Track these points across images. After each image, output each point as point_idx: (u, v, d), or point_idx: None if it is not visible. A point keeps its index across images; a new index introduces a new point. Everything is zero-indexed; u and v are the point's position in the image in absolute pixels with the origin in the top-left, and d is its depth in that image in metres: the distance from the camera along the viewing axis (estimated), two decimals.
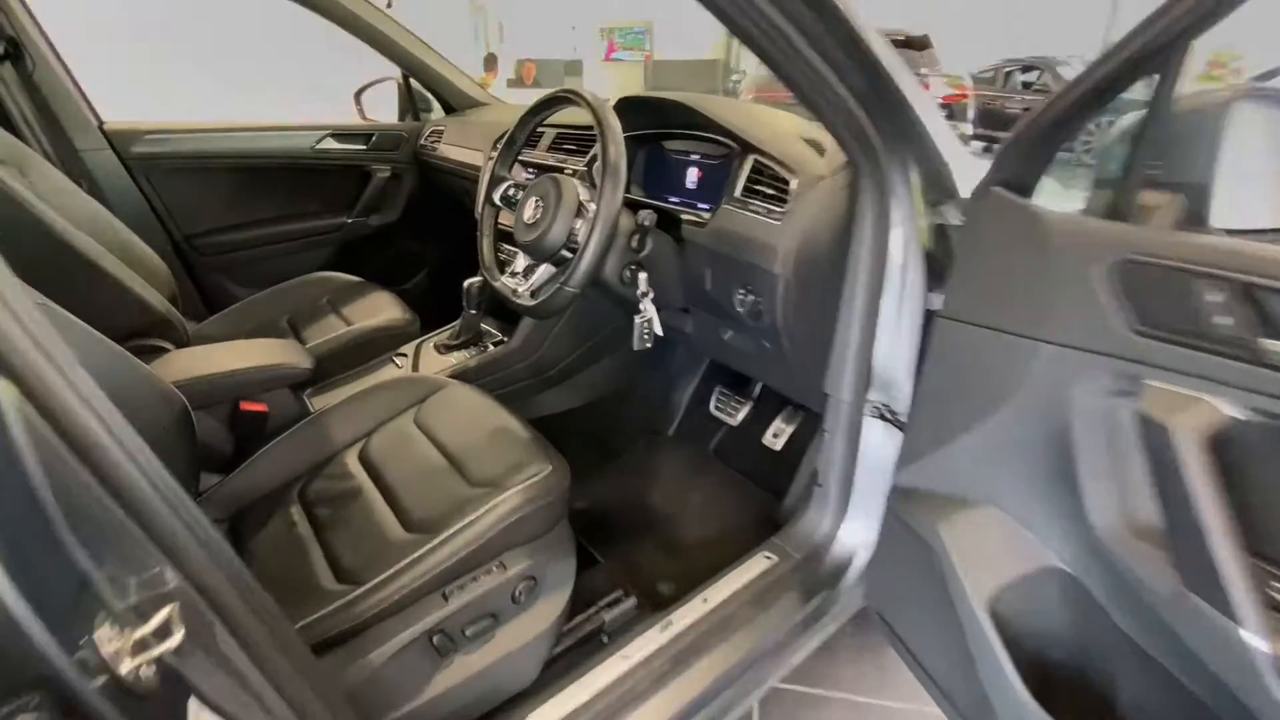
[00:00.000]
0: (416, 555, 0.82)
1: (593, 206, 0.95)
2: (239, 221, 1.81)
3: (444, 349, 1.48)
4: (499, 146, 1.18)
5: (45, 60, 1.41)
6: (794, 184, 0.97)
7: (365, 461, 1.05)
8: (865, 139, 0.83)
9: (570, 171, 1.14)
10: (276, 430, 1.13)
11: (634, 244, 1.05)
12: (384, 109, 2.12)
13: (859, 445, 1.02)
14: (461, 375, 1.40)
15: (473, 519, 0.86)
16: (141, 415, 0.85)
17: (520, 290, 1.07)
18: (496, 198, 1.17)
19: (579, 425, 1.61)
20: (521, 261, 1.11)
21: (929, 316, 0.88)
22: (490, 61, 7.25)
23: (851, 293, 0.94)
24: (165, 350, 1.23)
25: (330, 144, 1.89)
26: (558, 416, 1.58)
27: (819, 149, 1.02)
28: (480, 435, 1.05)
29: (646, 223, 1.04)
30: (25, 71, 1.38)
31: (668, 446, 1.64)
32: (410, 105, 2.04)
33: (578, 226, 0.99)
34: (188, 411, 0.96)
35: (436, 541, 0.83)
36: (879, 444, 1.00)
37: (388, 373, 1.43)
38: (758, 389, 1.53)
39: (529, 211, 1.04)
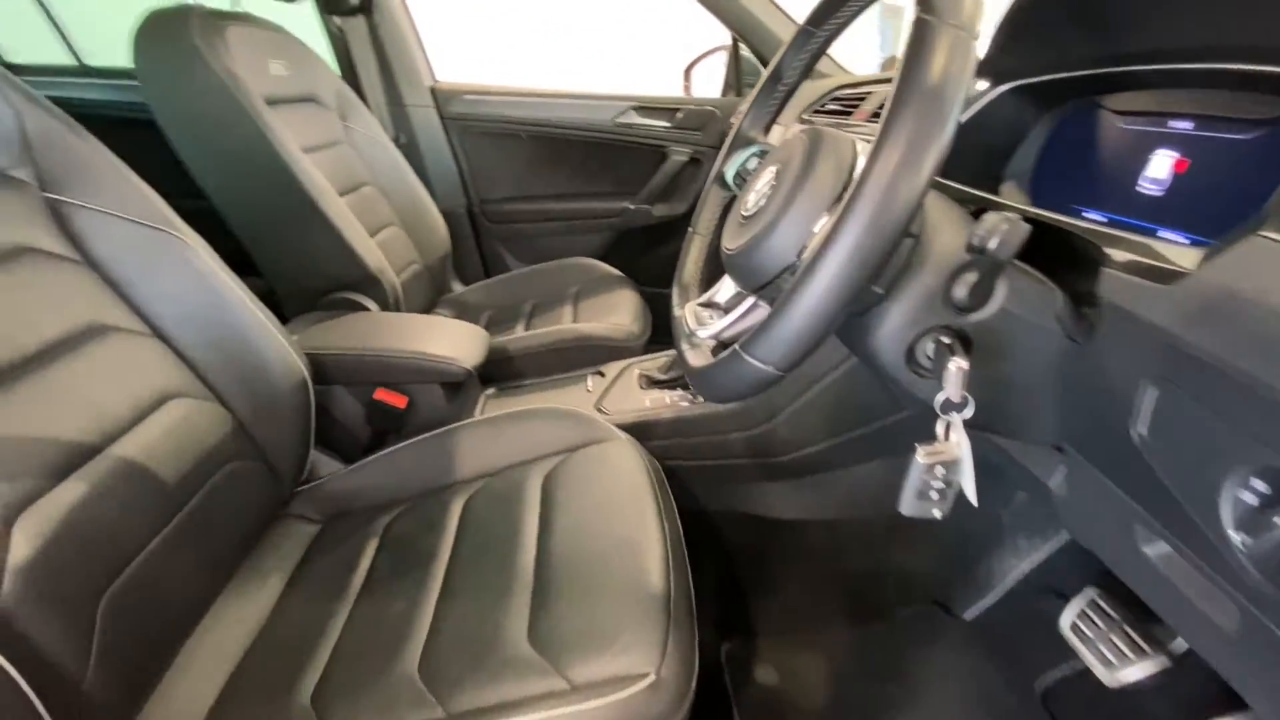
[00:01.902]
0: None
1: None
2: (528, 193, 1.74)
3: (646, 382, 1.08)
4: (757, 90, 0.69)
5: (393, 15, 1.48)
6: None
7: (466, 514, 0.78)
8: None
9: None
10: (416, 430, 0.90)
11: (955, 291, 0.46)
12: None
13: None
14: (647, 428, 0.98)
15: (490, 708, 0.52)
16: (252, 374, 0.75)
17: (699, 336, 0.58)
18: (730, 173, 0.69)
19: (810, 551, 1.03)
20: (728, 287, 0.62)
21: None
22: (890, 65, 6.54)
23: None
24: (364, 308, 1.13)
25: (632, 118, 1.66)
26: (779, 525, 1.03)
27: None
28: (600, 549, 0.67)
29: (993, 244, 0.41)
30: (373, 23, 1.46)
31: (957, 641, 0.94)
32: (735, 77, 1.68)
33: (818, 227, 0.46)
34: (306, 384, 0.80)
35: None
36: None
37: (574, 392, 1.11)
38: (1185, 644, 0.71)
39: (754, 195, 0.55)
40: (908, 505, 0.49)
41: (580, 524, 0.72)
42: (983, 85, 0.65)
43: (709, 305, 0.63)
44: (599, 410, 1.03)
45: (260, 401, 0.78)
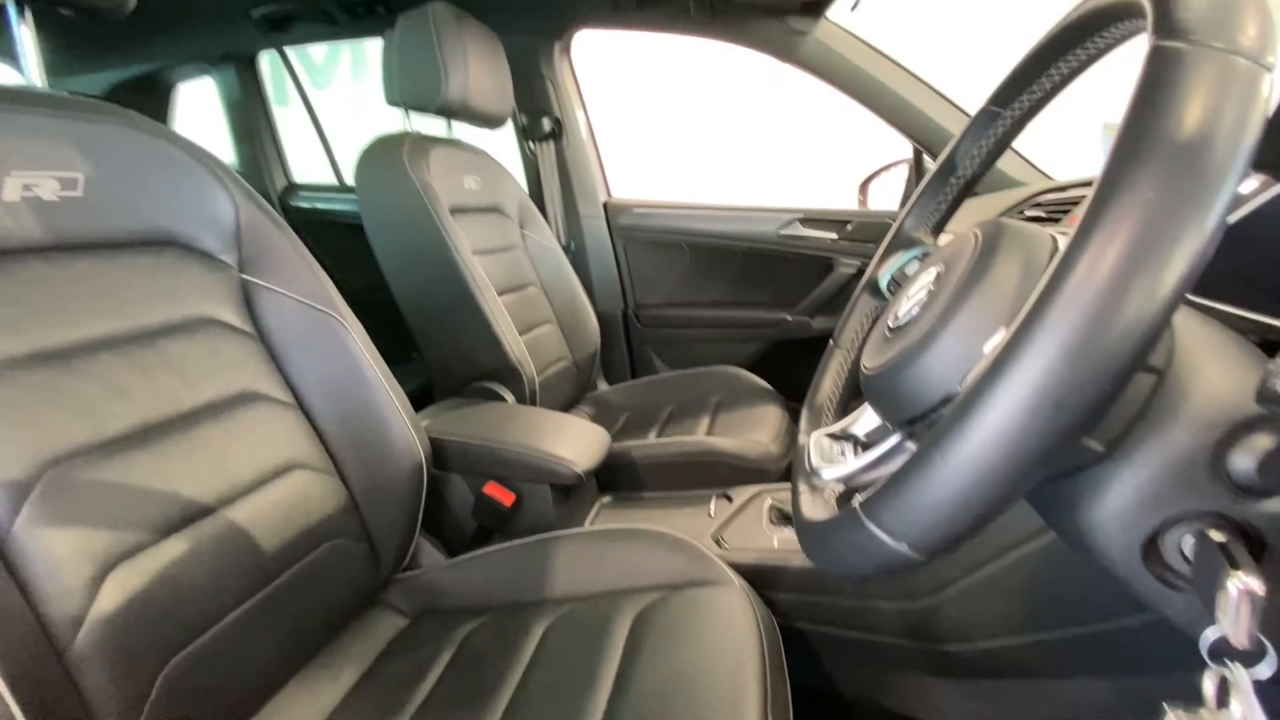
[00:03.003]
0: None
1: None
2: (684, 299, 1.74)
3: (778, 516, 0.92)
4: (927, 177, 0.58)
5: (578, 141, 1.64)
6: None
7: (545, 642, 0.70)
8: None
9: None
10: (521, 530, 0.86)
11: (1234, 461, 0.29)
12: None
13: None
14: (771, 575, 0.81)
15: None
16: (374, 453, 0.77)
17: (823, 477, 0.45)
18: (884, 279, 0.58)
19: None
20: (868, 418, 0.49)
21: None
22: None
23: None
24: (502, 399, 1.15)
25: (797, 229, 1.61)
26: None
27: None
28: (680, 716, 0.52)
29: None
30: (560, 147, 1.62)
31: None
32: (914, 187, 1.56)
33: (989, 348, 0.32)
34: (422, 468, 0.81)
35: None
36: None
37: (693, 515, 0.98)
38: None
39: (906, 301, 0.43)
40: None
41: (664, 681, 0.58)
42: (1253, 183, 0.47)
43: (842, 437, 0.50)
44: (716, 541, 0.89)
45: (376, 480, 0.79)
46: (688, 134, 2.90)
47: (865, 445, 0.47)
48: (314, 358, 0.77)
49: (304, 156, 1.99)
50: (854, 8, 1.16)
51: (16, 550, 0.49)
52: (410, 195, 1.10)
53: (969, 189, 0.55)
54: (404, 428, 0.81)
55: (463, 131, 1.38)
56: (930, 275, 0.42)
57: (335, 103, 2.36)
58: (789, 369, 1.59)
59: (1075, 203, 0.87)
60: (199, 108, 1.89)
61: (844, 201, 1.64)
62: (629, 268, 1.72)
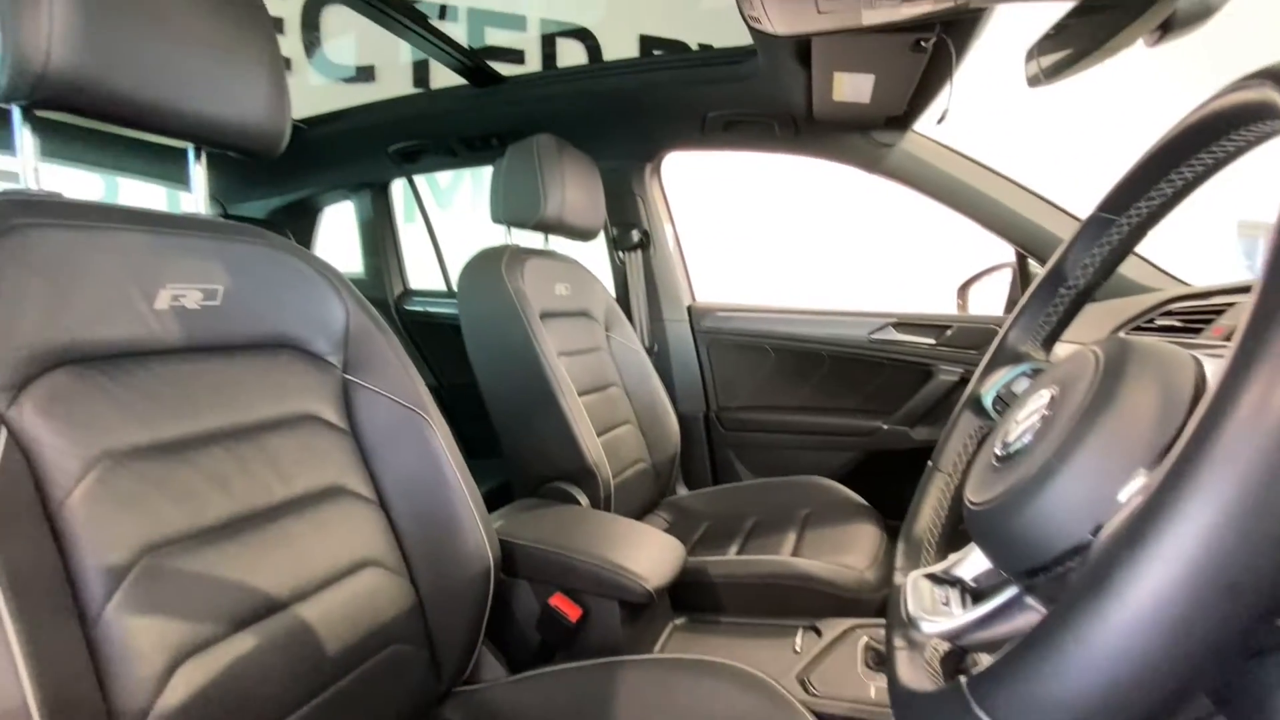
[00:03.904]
0: None
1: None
2: (769, 403, 1.68)
3: (876, 660, 0.80)
4: (1034, 285, 0.53)
5: (665, 250, 1.70)
6: None
7: None
8: None
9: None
10: (586, 649, 0.81)
11: None
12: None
13: None
14: None
15: None
16: (445, 554, 0.76)
17: (923, 630, 0.38)
18: (988, 397, 0.52)
19: None
20: (976, 560, 0.42)
21: None
22: None
23: None
24: (576, 501, 1.13)
25: (890, 334, 1.54)
26: None
27: None
28: None
29: None
30: (647, 256, 1.69)
31: None
32: (1020, 292, 1.47)
33: (1127, 494, 0.26)
34: (489, 572, 0.80)
35: None
36: None
37: (777, 649, 0.88)
38: None
39: (1016, 426, 0.38)
40: None
41: None
42: None
43: (946, 580, 0.43)
44: (802, 684, 0.78)
45: (444, 581, 0.78)
46: (777, 238, 2.96)
47: (974, 593, 0.40)
48: (399, 454, 0.80)
49: (421, 266, 2.20)
50: (940, 121, 1.16)
51: (102, 636, 0.50)
52: (503, 301, 1.17)
53: (1083, 299, 0.49)
54: (476, 529, 0.80)
55: (558, 242, 1.48)
56: (1043, 397, 0.37)
57: (456, 218, 2.64)
58: (886, 482, 1.47)
59: (1218, 311, 0.77)
60: (339, 225, 2.18)
61: (940, 307, 1.57)
62: (712, 370, 1.70)
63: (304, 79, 3.16)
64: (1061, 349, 0.58)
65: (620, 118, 1.54)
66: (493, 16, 3.44)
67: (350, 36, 3.20)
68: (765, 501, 1.40)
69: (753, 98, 1.38)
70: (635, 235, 1.65)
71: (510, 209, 1.30)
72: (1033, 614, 0.32)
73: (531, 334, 1.16)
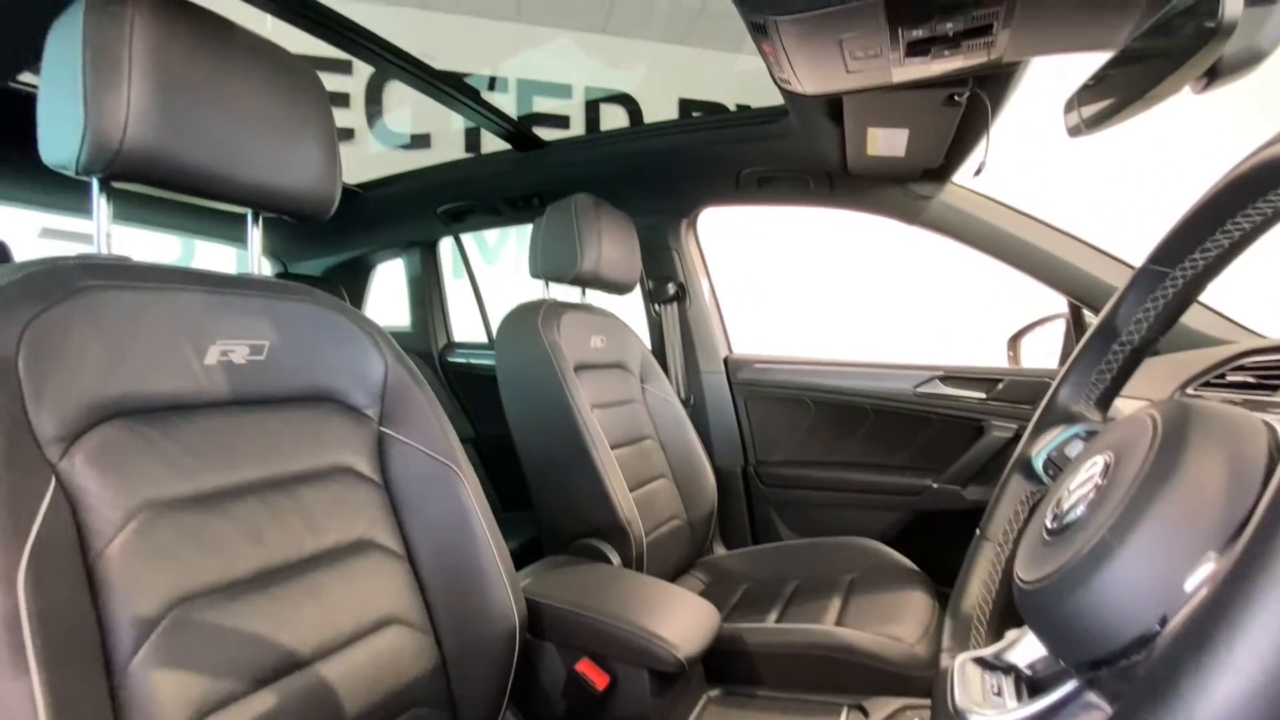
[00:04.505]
0: None
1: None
2: (810, 458, 1.62)
3: None
4: (1085, 340, 0.50)
5: (701, 302, 1.70)
6: None
7: None
8: None
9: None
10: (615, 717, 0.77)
11: None
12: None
13: None
14: None
15: None
16: (471, 613, 0.74)
17: None
18: (1038, 460, 0.49)
19: None
20: (1030, 645, 0.38)
21: None
22: None
23: None
24: (606, 558, 1.10)
25: (937, 388, 1.48)
26: None
27: None
28: None
29: None
30: (683, 309, 1.69)
31: None
32: (1074, 344, 1.40)
33: (1195, 582, 0.23)
34: (514, 634, 0.78)
35: None
36: None
37: None
38: None
39: (1069, 496, 0.35)
40: None
41: None
42: None
43: (998, 666, 0.39)
44: None
45: (469, 640, 0.76)
46: (814, 289, 2.94)
47: (1029, 682, 0.36)
48: (429, 505, 0.80)
49: (466, 319, 2.28)
50: (977, 173, 1.14)
51: (126, 689, 0.50)
52: (539, 354, 1.19)
53: (1139, 355, 0.46)
54: (503, 587, 0.78)
55: (597, 297, 1.50)
56: (1097, 465, 0.34)
57: (501, 274, 2.72)
58: (937, 545, 1.38)
59: None
60: (390, 281, 2.28)
61: (990, 360, 1.51)
62: (750, 423, 1.67)
63: (365, 147, 3.40)
64: (1124, 405, 0.54)
65: (656, 177, 1.58)
66: (540, 86, 3.66)
67: (407, 109, 3.44)
68: (807, 563, 1.34)
69: (786, 155, 1.39)
70: (671, 288, 1.66)
71: (548, 264, 1.34)
72: (1096, 714, 0.29)
73: (565, 386, 1.17)
